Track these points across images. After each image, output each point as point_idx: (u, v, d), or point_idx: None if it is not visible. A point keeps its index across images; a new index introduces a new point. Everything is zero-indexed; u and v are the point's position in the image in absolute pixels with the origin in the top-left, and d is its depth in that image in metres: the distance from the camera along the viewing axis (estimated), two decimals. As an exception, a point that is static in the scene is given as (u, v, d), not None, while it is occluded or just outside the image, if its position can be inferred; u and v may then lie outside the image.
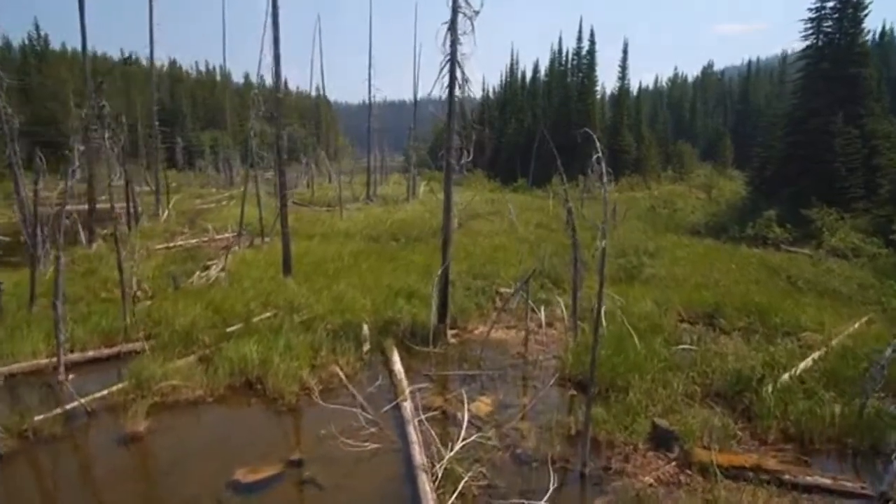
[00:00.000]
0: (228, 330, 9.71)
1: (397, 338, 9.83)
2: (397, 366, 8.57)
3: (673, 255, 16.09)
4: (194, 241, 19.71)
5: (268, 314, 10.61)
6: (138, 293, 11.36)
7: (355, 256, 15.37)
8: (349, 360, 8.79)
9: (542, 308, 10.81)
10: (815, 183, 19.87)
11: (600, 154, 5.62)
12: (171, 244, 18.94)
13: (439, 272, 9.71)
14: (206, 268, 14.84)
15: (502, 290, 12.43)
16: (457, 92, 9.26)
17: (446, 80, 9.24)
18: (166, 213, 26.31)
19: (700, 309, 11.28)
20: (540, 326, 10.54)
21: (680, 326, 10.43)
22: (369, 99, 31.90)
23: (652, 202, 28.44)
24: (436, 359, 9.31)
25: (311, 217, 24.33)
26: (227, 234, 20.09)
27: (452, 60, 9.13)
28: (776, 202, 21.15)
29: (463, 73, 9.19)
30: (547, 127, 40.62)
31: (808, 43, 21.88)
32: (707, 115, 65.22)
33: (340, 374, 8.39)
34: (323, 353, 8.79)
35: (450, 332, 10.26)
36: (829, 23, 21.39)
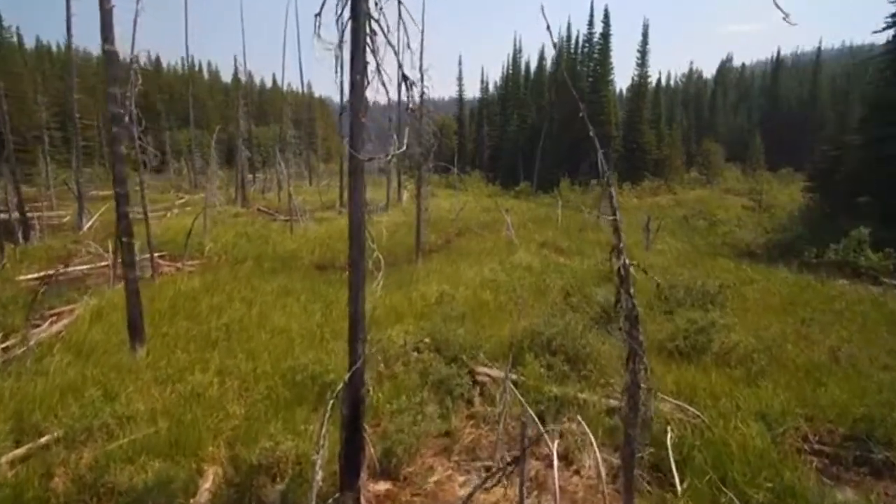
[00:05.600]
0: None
1: (260, 515, 4.88)
2: None
3: (741, 296, 11.04)
4: (86, 266, 14.87)
5: (43, 440, 5.71)
6: None
7: (274, 300, 10.45)
8: None
9: (552, 422, 5.95)
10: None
11: None
12: (50, 272, 14.08)
13: (341, 387, 4.68)
14: (47, 319, 10.00)
15: (482, 372, 7.43)
16: (372, 9, 4.30)
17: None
18: (88, 224, 21.58)
19: (838, 425, 6.25)
20: (550, 465, 5.56)
21: (815, 473, 5.43)
22: (340, 93, 26.90)
23: (684, 212, 23.30)
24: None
25: (260, 232, 19.45)
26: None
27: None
28: (856, 215, 16.02)
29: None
30: (554, 123, 35.67)
31: (897, 6, 16.73)
32: (727, 112, 59.92)
33: None
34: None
35: (374, 490, 5.28)
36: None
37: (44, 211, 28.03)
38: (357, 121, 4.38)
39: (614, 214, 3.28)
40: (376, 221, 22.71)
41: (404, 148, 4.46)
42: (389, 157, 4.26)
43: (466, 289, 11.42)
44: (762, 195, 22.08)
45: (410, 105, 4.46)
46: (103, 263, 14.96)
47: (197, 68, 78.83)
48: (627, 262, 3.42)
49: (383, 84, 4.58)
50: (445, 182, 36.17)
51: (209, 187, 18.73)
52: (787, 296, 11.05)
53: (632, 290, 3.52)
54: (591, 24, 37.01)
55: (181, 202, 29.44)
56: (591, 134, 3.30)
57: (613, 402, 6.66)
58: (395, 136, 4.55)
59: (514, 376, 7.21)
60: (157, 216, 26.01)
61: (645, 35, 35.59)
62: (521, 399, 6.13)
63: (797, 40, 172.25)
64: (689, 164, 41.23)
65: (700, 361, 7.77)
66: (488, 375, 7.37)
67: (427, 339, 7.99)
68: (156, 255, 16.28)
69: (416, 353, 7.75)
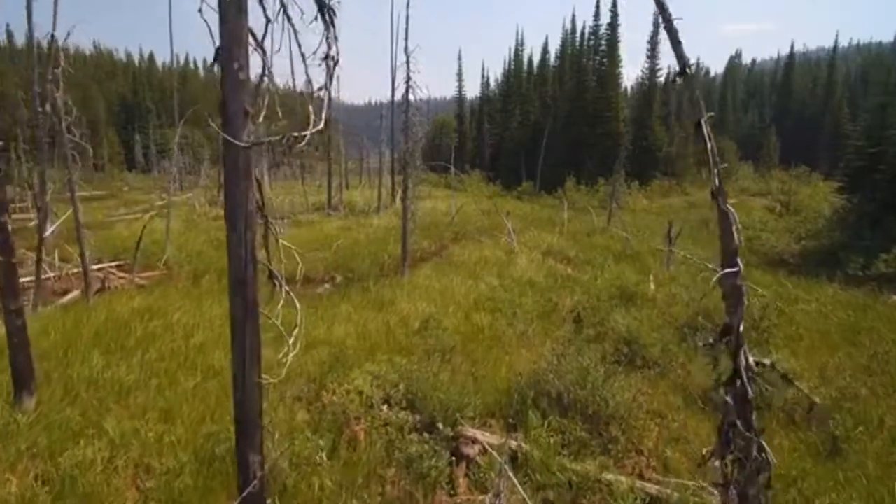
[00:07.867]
0: None
1: None
2: None
3: (788, 319, 9.17)
4: (27, 279, 13.06)
5: None
6: None
7: (222, 326, 8.61)
8: None
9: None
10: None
11: None
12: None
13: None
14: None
15: (470, 437, 5.57)
16: None
17: None
18: (51, 230, 19.81)
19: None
20: None
21: None
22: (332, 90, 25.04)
23: (700, 214, 21.39)
24: None
25: (234, 237, 17.57)
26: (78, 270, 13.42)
27: None
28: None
29: None
30: (558, 120, 33.79)
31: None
32: (737, 109, 57.85)
33: None
34: None
35: None
36: None
37: (17, 213, 26.37)
38: (235, 84, 2.55)
39: (731, 262, 1.48)
40: (364, 225, 20.85)
41: (321, 126, 2.63)
42: (286, 138, 2.42)
43: (458, 309, 9.59)
44: (790, 196, 20.02)
45: (332, 53, 2.62)
46: (47, 276, 13.20)
47: (192, 66, 77.17)
48: (752, 361, 1.61)
49: (292, 25, 2.77)
50: (444, 182, 34.35)
51: (171, 187, 16.89)
52: (846, 321, 9.16)
53: (754, 419, 1.68)
54: (597, 15, 35.10)
55: (161, 203, 27.68)
56: (678, 79, 1.47)
57: (651, 488, 4.82)
58: (310, 110, 2.71)
59: (513, 443, 5.39)
60: (134, 218, 24.35)
61: (656, 25, 33.61)
62: (521, 490, 4.32)
63: (800, 40, 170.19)
64: (702, 163, 39.33)
65: (760, 418, 5.90)
66: (477, 441, 5.52)
67: (401, 388, 6.16)
68: (112, 264, 14.57)
69: (385, 407, 5.93)
